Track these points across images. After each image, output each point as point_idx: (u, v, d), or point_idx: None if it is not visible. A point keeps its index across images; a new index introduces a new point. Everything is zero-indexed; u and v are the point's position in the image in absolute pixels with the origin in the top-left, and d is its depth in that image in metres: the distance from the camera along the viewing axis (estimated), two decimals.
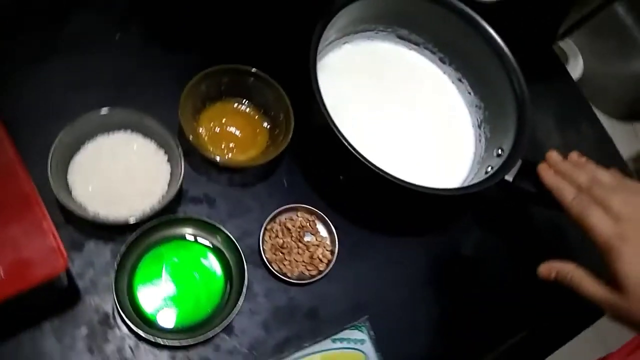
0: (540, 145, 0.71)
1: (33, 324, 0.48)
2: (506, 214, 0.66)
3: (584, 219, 0.47)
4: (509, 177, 0.56)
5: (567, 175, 0.51)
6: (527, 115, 0.58)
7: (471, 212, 0.65)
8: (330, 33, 0.60)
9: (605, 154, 0.75)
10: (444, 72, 0.68)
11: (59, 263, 0.41)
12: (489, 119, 0.63)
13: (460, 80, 0.66)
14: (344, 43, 0.65)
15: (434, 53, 0.67)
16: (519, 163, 0.56)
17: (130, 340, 0.50)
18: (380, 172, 0.51)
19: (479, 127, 0.65)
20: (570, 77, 0.79)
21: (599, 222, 0.46)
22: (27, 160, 0.51)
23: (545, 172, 0.52)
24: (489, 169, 0.58)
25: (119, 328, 0.50)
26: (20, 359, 0.47)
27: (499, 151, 0.59)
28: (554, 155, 0.53)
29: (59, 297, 0.49)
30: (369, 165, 0.51)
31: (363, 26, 0.64)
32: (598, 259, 0.46)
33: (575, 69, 0.73)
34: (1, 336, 0.47)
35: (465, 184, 0.61)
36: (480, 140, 0.64)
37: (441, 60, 0.67)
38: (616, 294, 0.44)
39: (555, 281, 0.49)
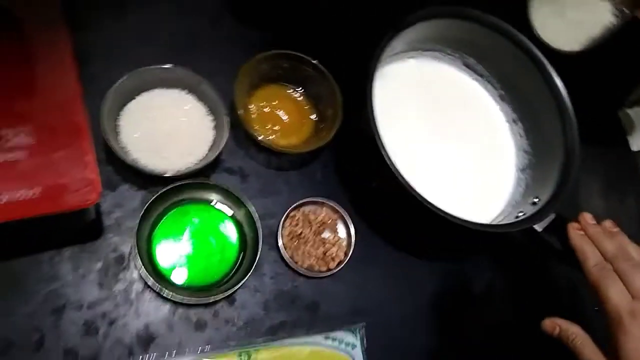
0: (579, 207, 0.70)
1: (55, 247, 0.51)
2: (527, 263, 0.65)
3: (602, 288, 0.46)
4: (538, 227, 0.56)
5: (595, 239, 0.51)
6: (572, 171, 0.57)
7: (493, 252, 0.64)
8: (397, 44, 0.61)
9: None
10: (501, 110, 0.67)
11: (92, 196, 0.44)
12: (534, 166, 0.63)
13: (515, 121, 0.66)
14: (410, 57, 0.66)
15: (495, 88, 0.67)
16: (551, 216, 0.56)
17: (138, 285, 0.52)
18: (411, 191, 0.51)
19: (522, 171, 0.64)
20: (628, 147, 0.77)
21: (616, 295, 0.45)
22: (87, 95, 0.54)
23: (574, 231, 0.52)
24: (520, 214, 0.58)
25: (130, 271, 0.52)
26: (36, 275, 0.50)
27: (535, 199, 0.58)
28: (587, 217, 0.53)
29: (84, 228, 0.51)
30: (402, 181, 0.51)
31: (432, 45, 0.65)
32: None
33: (636, 140, 0.71)
34: (25, 250, 0.50)
35: (495, 223, 0.61)
36: (520, 185, 0.63)
37: (501, 97, 0.67)
38: None
39: (557, 338, 0.49)
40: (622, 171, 0.75)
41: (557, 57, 0.61)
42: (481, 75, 0.67)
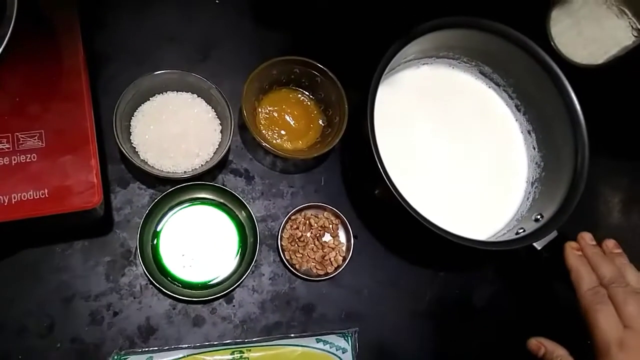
0: (597, 222, 0.68)
1: (67, 240, 0.55)
2: (530, 279, 0.64)
3: (592, 314, 0.46)
4: (537, 245, 0.55)
5: (593, 261, 0.49)
6: (578, 191, 0.55)
7: (497, 264, 0.64)
8: (410, 51, 0.60)
9: None
10: (516, 120, 0.66)
11: (94, 199, 0.47)
12: (544, 180, 0.61)
13: (529, 132, 0.64)
14: (424, 64, 0.65)
15: (511, 98, 0.65)
16: (553, 234, 0.55)
17: (142, 280, 0.55)
18: (405, 205, 0.51)
19: (532, 184, 0.63)
20: None
21: (606, 323, 0.45)
22: (103, 95, 0.58)
23: (570, 251, 0.50)
24: (521, 230, 0.57)
25: (135, 266, 0.55)
26: (49, 265, 0.54)
27: (538, 216, 0.57)
28: (586, 237, 0.51)
29: (94, 224, 0.55)
30: (395, 193, 0.52)
31: (446, 52, 0.64)
32: None
33: None
34: (40, 242, 0.54)
35: (497, 237, 0.60)
36: (528, 198, 0.62)
37: (517, 107, 0.65)
38: None
39: (541, 359, 0.49)
40: None
41: (576, 71, 0.59)
42: (497, 84, 0.65)
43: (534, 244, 0.55)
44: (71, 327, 0.53)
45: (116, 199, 0.57)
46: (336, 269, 0.59)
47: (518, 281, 0.64)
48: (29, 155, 0.47)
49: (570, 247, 0.51)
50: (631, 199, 0.70)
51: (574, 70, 0.59)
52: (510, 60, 0.61)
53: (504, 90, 0.65)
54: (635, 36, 0.50)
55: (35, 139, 0.47)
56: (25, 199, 0.46)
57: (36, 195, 0.46)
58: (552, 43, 0.60)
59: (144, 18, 0.63)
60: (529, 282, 0.64)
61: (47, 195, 0.46)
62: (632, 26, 0.50)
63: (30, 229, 0.51)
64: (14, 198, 0.45)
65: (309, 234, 0.59)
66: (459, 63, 0.65)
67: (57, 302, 0.53)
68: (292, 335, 0.56)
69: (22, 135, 0.47)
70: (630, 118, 0.70)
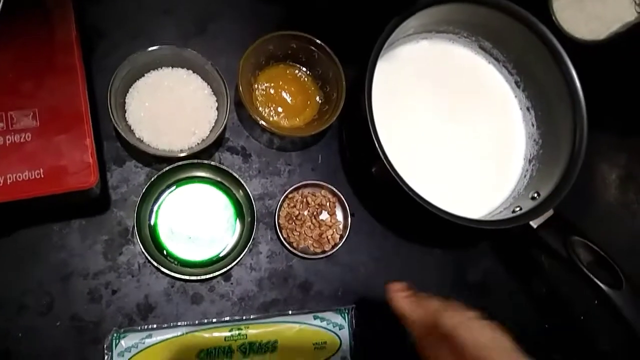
0: (593, 197, 0.69)
1: (65, 219, 0.54)
2: (525, 256, 0.65)
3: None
4: (534, 224, 0.55)
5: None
6: (575, 169, 0.55)
7: (492, 240, 0.64)
8: (410, 25, 0.59)
9: None
10: (516, 96, 0.65)
11: (90, 179, 0.46)
12: (541, 158, 0.61)
13: (528, 109, 0.64)
14: (423, 38, 0.64)
15: (511, 74, 0.64)
16: (549, 212, 0.55)
17: (140, 259, 0.55)
18: (400, 183, 0.51)
19: (530, 162, 0.63)
20: None
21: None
22: (97, 71, 0.57)
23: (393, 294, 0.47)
24: (517, 209, 0.57)
25: (133, 244, 0.56)
26: (47, 244, 0.54)
27: (535, 194, 0.57)
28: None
29: (91, 203, 0.54)
30: (391, 171, 0.51)
31: (446, 27, 0.63)
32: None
33: None
34: (38, 221, 0.54)
35: (494, 214, 0.61)
36: (525, 176, 0.62)
37: (516, 83, 0.64)
38: None
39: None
40: None
41: (578, 47, 0.58)
42: (497, 60, 0.65)
43: (530, 223, 0.55)
44: (70, 305, 0.53)
45: (112, 178, 0.57)
46: (333, 247, 0.59)
47: (513, 257, 0.64)
48: (24, 135, 0.46)
49: (391, 290, 0.48)
50: (628, 176, 0.70)
51: (575, 46, 0.58)
52: (511, 35, 0.60)
53: (503, 66, 0.65)
54: (638, 12, 0.49)
55: (29, 118, 0.46)
56: (21, 179, 0.45)
57: (31, 176, 0.45)
58: (553, 18, 0.59)
59: None
60: (524, 258, 0.64)
61: (42, 176, 0.45)
62: (635, 1, 0.49)
63: (27, 209, 0.51)
64: (9, 179, 0.45)
65: (306, 212, 0.59)
66: (459, 38, 0.64)
67: (56, 280, 0.53)
68: (290, 312, 0.57)
69: (16, 114, 0.46)
70: (630, 94, 0.70)
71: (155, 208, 0.56)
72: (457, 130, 0.63)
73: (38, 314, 0.52)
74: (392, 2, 0.57)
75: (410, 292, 0.47)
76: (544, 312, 0.64)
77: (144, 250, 0.54)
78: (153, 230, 0.55)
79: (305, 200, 0.59)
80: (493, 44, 0.63)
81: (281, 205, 0.59)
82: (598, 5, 0.53)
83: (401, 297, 0.46)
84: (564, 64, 0.58)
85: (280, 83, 0.61)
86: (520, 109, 0.65)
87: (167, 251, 0.55)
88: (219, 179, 0.58)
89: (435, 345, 0.42)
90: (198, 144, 0.57)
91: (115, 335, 0.52)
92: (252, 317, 0.56)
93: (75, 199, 0.52)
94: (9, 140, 0.46)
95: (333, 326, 0.57)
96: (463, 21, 0.61)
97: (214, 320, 0.55)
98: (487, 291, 0.63)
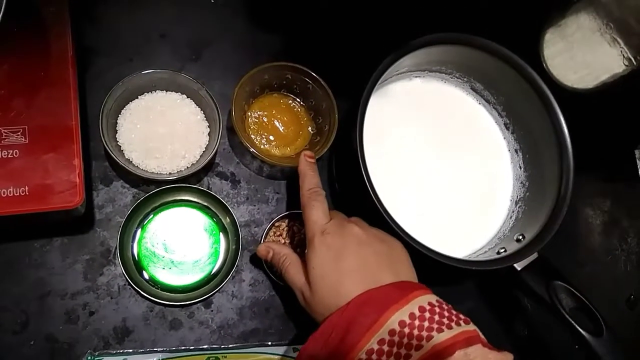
0: (576, 241, 0.69)
1: (47, 236, 0.54)
2: (510, 297, 0.65)
3: (307, 210, 0.50)
4: (518, 266, 0.55)
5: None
6: (560, 214, 0.56)
7: (476, 281, 0.64)
8: (404, 64, 0.60)
9: None
10: (504, 138, 0.66)
11: (75, 199, 0.46)
12: (528, 200, 0.62)
13: (516, 151, 0.65)
14: (416, 76, 0.65)
15: (501, 116, 0.65)
16: (533, 256, 0.55)
17: (120, 280, 0.55)
18: (387, 218, 0.52)
19: (516, 203, 0.63)
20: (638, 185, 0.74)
21: (316, 216, 0.50)
22: (91, 90, 0.57)
23: (303, 159, 0.53)
24: (502, 250, 0.57)
25: (114, 265, 0.55)
26: (27, 261, 0.53)
27: (520, 237, 0.58)
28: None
29: (74, 221, 0.54)
30: (380, 209, 0.52)
31: (439, 67, 0.64)
32: None
33: None
34: (18, 238, 0.53)
35: (479, 254, 0.61)
36: (511, 217, 0.63)
37: (506, 125, 0.65)
38: (307, 287, 0.48)
39: (270, 262, 0.54)
40: (628, 208, 0.73)
41: (566, 94, 0.60)
42: (488, 101, 0.66)
43: (515, 265, 0.55)
44: (46, 325, 0.52)
45: (98, 197, 0.56)
46: None
47: (497, 298, 0.64)
48: (11, 151, 0.46)
49: (304, 155, 0.54)
50: (612, 221, 0.71)
51: (563, 92, 0.60)
52: (501, 78, 0.61)
53: (494, 107, 0.66)
54: (626, 65, 0.51)
55: (18, 135, 0.46)
56: (5, 195, 0.45)
57: (16, 192, 0.45)
58: (544, 64, 0.60)
59: (136, 13, 0.62)
60: (507, 298, 0.64)
61: (27, 193, 0.45)
62: (623, 55, 0.50)
63: (9, 224, 0.51)
64: None
65: (291, 242, 0.59)
66: (452, 78, 0.65)
67: (33, 299, 0.52)
68: (270, 343, 0.56)
69: (5, 130, 0.46)
70: (616, 141, 0.71)
71: (139, 230, 0.55)
72: (446, 168, 0.64)
73: (12, 333, 0.51)
74: (388, 40, 0.58)
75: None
76: (525, 354, 0.63)
77: (124, 272, 0.53)
78: (136, 252, 0.55)
79: (291, 229, 0.59)
80: (484, 86, 0.64)
81: (267, 234, 0.58)
82: (588, 55, 0.55)
83: (305, 162, 0.54)
84: (552, 110, 0.59)
85: (274, 112, 0.61)
86: (509, 150, 0.66)
87: (149, 274, 0.55)
88: (206, 204, 0.58)
89: (316, 197, 0.51)
90: (187, 167, 0.57)
91: (89, 358, 0.51)
92: (230, 346, 0.55)
93: (59, 216, 0.51)
94: None
95: None
96: (456, 62, 0.62)
97: (192, 347, 0.54)
98: None
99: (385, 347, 0.43)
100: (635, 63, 0.51)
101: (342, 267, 0.46)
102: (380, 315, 0.43)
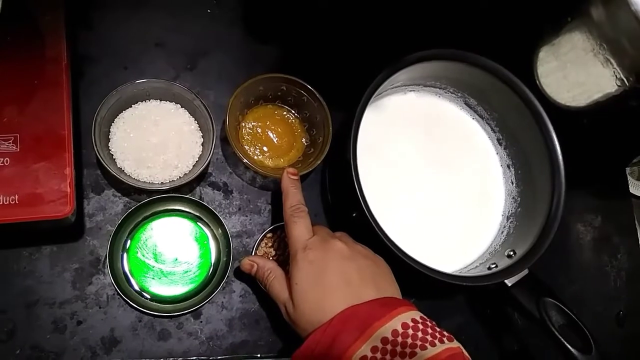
0: (566, 257, 0.69)
1: (36, 244, 0.53)
2: (499, 311, 0.65)
3: (289, 226, 0.51)
4: (508, 282, 0.55)
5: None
6: (551, 231, 0.56)
7: (466, 296, 0.64)
8: (399, 78, 0.60)
9: (634, 289, 0.71)
10: (497, 153, 0.66)
11: (65, 209, 0.46)
12: (519, 216, 0.62)
13: (509, 167, 0.65)
14: (410, 91, 0.65)
15: (494, 131, 0.66)
16: (524, 272, 0.55)
17: (109, 290, 0.54)
18: (378, 231, 0.52)
19: (507, 219, 0.63)
20: (629, 203, 0.74)
21: (298, 232, 0.50)
22: (85, 98, 0.57)
23: (286, 176, 0.54)
24: (493, 266, 0.57)
25: (104, 275, 0.54)
26: (15, 269, 0.53)
27: (511, 252, 0.58)
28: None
29: (64, 229, 0.54)
30: (372, 222, 0.52)
31: (433, 82, 0.64)
32: None
33: None
34: (7, 245, 0.53)
35: (470, 269, 0.61)
36: (502, 232, 0.63)
37: (499, 141, 0.66)
38: (290, 302, 0.48)
39: (254, 276, 0.54)
40: (619, 226, 0.73)
41: (559, 111, 0.60)
42: (481, 117, 0.66)
43: (505, 281, 0.55)
44: (33, 334, 0.52)
45: (89, 205, 0.56)
46: None
47: (487, 313, 0.64)
48: (2, 159, 0.46)
49: (287, 172, 0.54)
50: (603, 238, 0.72)
51: (556, 110, 0.60)
52: (495, 95, 0.62)
53: (487, 123, 0.66)
54: (619, 85, 0.51)
55: (9, 143, 0.46)
56: None
57: (6, 201, 0.45)
58: (537, 82, 0.60)
59: (132, 21, 0.62)
60: (497, 315, 0.64)
61: (17, 202, 0.45)
62: (616, 76, 0.50)
63: None
64: None
65: (282, 254, 0.59)
66: (446, 93, 0.65)
67: (21, 307, 0.52)
68: (259, 355, 0.56)
69: None
70: (607, 158, 0.72)
71: (130, 239, 0.55)
72: (438, 182, 0.64)
73: None
74: (383, 54, 0.58)
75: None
76: None
77: (113, 282, 0.53)
78: (126, 262, 0.55)
79: (283, 240, 0.59)
80: (478, 101, 0.65)
81: (259, 244, 0.58)
82: (581, 75, 0.55)
83: (288, 178, 0.54)
84: (545, 127, 0.59)
85: (268, 123, 0.61)
86: (501, 165, 0.66)
87: (138, 284, 0.54)
88: (197, 214, 0.58)
89: (299, 214, 0.51)
90: (180, 177, 0.56)
91: None
92: (219, 357, 0.55)
93: (49, 225, 0.51)
94: None
95: None
96: (450, 78, 0.63)
97: (180, 358, 0.54)
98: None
99: None
100: (627, 84, 0.51)
101: (324, 282, 0.46)
102: (364, 331, 0.43)
